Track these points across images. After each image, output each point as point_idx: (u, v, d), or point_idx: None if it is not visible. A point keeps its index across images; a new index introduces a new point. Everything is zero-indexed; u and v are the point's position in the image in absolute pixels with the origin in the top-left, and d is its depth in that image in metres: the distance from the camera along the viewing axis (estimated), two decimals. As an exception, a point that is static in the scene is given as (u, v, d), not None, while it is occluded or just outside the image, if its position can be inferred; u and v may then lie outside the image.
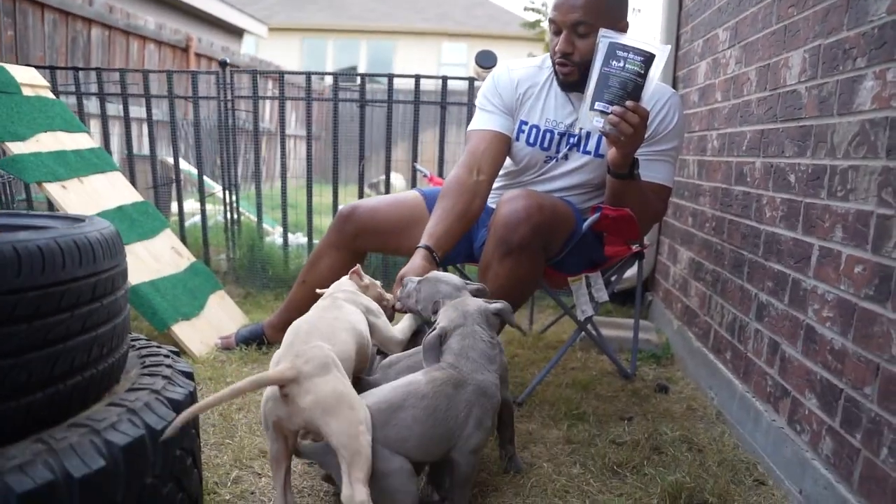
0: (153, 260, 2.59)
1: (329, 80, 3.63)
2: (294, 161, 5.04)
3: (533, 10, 9.04)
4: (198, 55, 7.37)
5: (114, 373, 1.17)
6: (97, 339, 1.08)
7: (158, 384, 1.19)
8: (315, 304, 1.54)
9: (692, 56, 2.91)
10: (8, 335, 0.92)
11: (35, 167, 2.36)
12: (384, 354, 1.67)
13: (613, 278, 2.32)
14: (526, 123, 2.12)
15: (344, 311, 1.49)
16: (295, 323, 1.40)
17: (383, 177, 3.66)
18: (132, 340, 1.42)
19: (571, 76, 2.01)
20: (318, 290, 1.64)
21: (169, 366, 1.29)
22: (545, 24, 9.03)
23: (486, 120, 2.13)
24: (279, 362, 1.28)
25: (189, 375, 1.30)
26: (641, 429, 1.94)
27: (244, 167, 5.32)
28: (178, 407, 1.15)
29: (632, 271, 3.15)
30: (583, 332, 2.33)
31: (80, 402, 1.06)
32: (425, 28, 18.16)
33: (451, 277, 1.62)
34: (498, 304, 1.52)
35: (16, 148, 2.38)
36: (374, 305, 1.62)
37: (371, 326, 1.56)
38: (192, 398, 1.23)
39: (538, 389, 2.20)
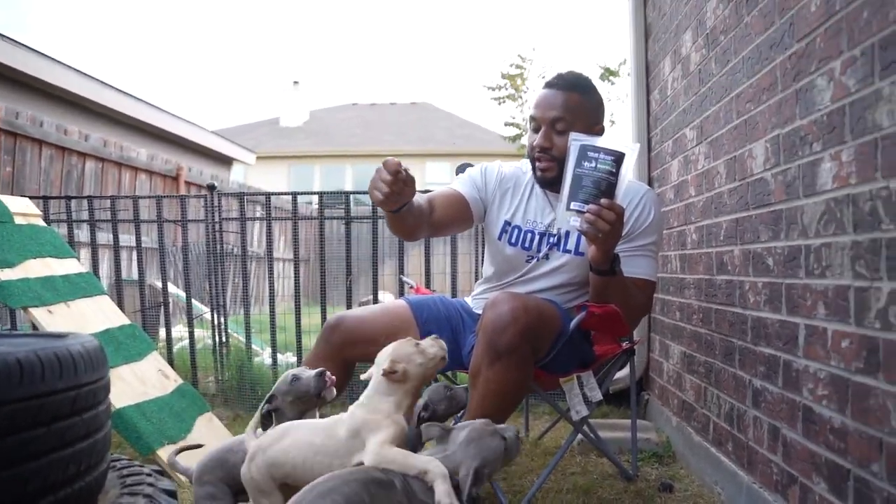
0: (139, 383, 2.55)
1: (315, 203, 3.73)
2: (282, 284, 5.08)
3: (513, 125, 9.49)
4: (188, 183, 7.59)
5: (92, 492, 1.12)
6: (75, 455, 1.05)
7: None
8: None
9: (664, 156, 3.04)
10: (-19, 451, 0.89)
11: (21, 293, 2.37)
12: None
13: (606, 377, 2.29)
14: (509, 224, 2.18)
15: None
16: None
17: (371, 296, 3.65)
18: (113, 461, 1.37)
19: (549, 172, 2.10)
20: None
21: (151, 484, 1.25)
22: (524, 140, 9.48)
23: (455, 183, 2.25)
24: None
25: (172, 494, 1.25)
26: (649, 530, 1.85)
27: (233, 291, 5.34)
28: (158, 526, 1.10)
29: (625, 371, 3.13)
30: (580, 435, 2.28)
31: (53, 523, 1.01)
32: (409, 150, 18.85)
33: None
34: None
35: (3, 275, 2.39)
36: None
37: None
38: (174, 516, 1.18)
39: (538, 496, 2.11)
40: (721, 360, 2.18)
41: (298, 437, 1.56)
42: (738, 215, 2.06)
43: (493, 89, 9.50)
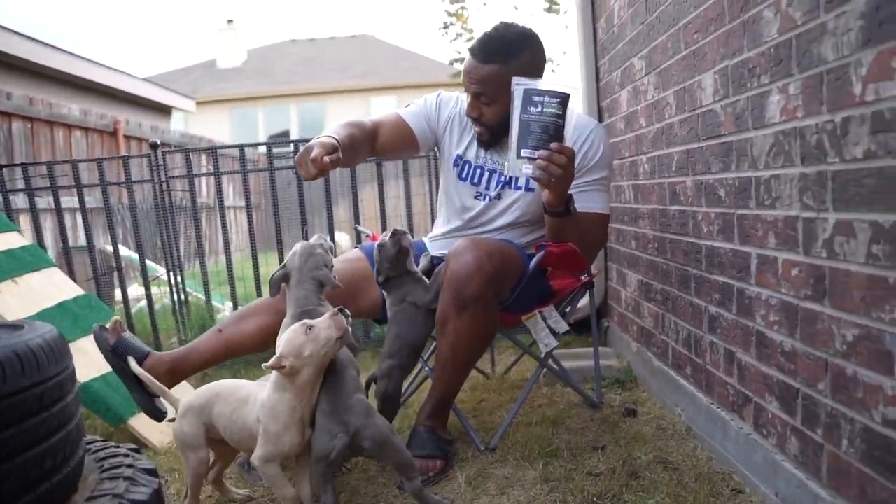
0: (101, 354, 2.50)
1: (263, 150, 3.65)
2: (236, 234, 4.99)
3: (460, 60, 9.35)
4: (127, 137, 7.28)
5: (70, 482, 1.12)
6: (49, 450, 1.04)
7: (120, 487, 1.14)
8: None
9: (613, 86, 3.03)
10: (-48, 461, 0.87)
11: (-35, 275, 2.27)
12: None
13: (567, 309, 2.35)
14: (461, 158, 2.22)
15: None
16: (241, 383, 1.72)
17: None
18: (88, 444, 1.36)
19: (483, 136, 2.14)
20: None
21: (130, 465, 1.25)
22: None
23: (406, 111, 2.26)
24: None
25: (152, 472, 1.26)
26: (616, 456, 1.95)
27: (186, 245, 5.22)
28: (142, 508, 1.11)
29: (585, 300, 3.21)
30: (545, 368, 2.35)
31: (36, 519, 1.01)
32: (352, 85, 18.41)
33: None
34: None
35: (-57, 257, 2.30)
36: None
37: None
38: (157, 496, 1.19)
39: (509, 431, 2.19)
40: (677, 287, 2.26)
41: (228, 398, 1.66)
42: (690, 146, 2.08)
43: (444, 27, 9.34)
